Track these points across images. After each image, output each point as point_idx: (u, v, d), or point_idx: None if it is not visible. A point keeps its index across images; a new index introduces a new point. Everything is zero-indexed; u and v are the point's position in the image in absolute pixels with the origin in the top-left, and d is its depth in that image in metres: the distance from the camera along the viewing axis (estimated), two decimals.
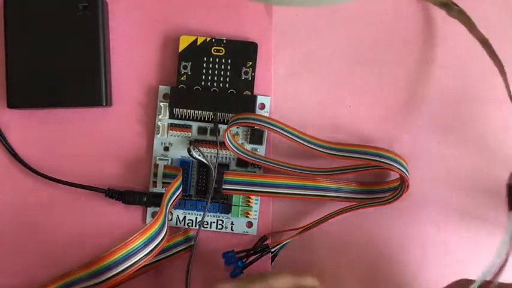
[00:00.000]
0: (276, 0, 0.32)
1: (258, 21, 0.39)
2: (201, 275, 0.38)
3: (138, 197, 0.38)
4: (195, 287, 0.37)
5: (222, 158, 0.39)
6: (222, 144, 0.38)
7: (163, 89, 0.39)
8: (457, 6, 0.35)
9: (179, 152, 0.39)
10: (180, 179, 0.38)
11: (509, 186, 0.31)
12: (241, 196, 0.38)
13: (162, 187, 0.39)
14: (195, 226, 0.39)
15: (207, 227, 0.39)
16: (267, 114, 0.39)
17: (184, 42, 0.38)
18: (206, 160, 0.38)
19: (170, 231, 0.37)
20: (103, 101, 0.37)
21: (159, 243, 0.34)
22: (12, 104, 0.37)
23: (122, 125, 0.39)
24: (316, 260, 0.39)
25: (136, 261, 0.33)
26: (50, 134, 0.39)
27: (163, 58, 0.39)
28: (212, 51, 0.39)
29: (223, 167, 0.39)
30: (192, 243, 0.38)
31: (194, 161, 0.39)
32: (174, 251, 0.38)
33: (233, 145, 0.38)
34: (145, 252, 0.33)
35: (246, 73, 0.39)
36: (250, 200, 0.38)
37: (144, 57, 0.39)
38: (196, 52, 0.38)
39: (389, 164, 0.35)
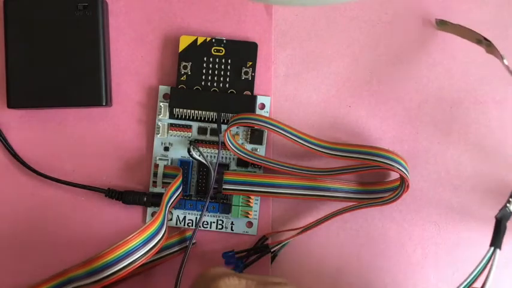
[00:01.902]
0: (276, 0, 0.32)
1: (258, 21, 0.39)
2: None
3: (138, 197, 0.38)
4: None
5: (222, 158, 0.39)
6: (222, 145, 0.38)
7: (163, 89, 0.39)
8: (487, 40, 0.34)
9: (179, 152, 0.39)
10: (180, 179, 0.38)
11: (497, 220, 0.30)
12: (241, 196, 0.38)
13: (162, 187, 0.39)
14: (195, 226, 0.39)
15: (207, 227, 0.39)
16: (267, 114, 0.39)
17: (184, 42, 0.39)
18: (206, 160, 0.38)
19: (170, 231, 0.37)
20: (103, 101, 0.37)
21: (157, 242, 0.34)
22: (12, 104, 0.37)
23: (122, 125, 0.39)
24: (315, 260, 0.39)
25: (135, 259, 0.33)
26: (50, 134, 0.39)
27: (163, 58, 0.39)
28: (212, 51, 0.39)
29: (223, 167, 0.39)
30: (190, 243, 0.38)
31: (194, 161, 0.39)
32: (172, 250, 0.38)
33: (233, 145, 0.38)
34: (144, 251, 0.33)
35: (246, 73, 0.39)
36: (250, 200, 0.38)
37: (144, 57, 0.39)
38: (196, 52, 0.39)
39: (389, 164, 0.35)
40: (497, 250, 0.29)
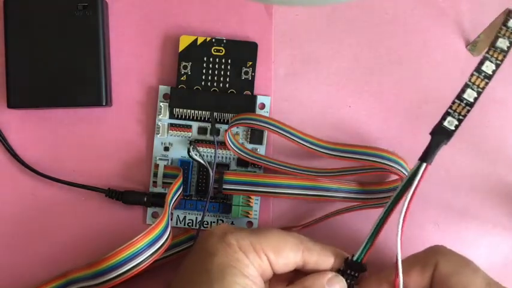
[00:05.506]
0: (276, 0, 0.32)
1: (258, 21, 0.39)
2: None
3: (138, 197, 0.38)
4: None
5: (222, 158, 0.39)
6: (223, 144, 0.38)
7: (163, 89, 0.39)
8: None
9: (179, 152, 0.39)
10: (181, 179, 0.37)
11: (432, 136, 0.31)
12: (241, 196, 0.38)
13: (162, 187, 0.39)
14: (195, 226, 0.39)
15: (207, 227, 0.39)
16: (267, 114, 0.39)
17: (184, 42, 0.39)
18: (204, 162, 0.38)
19: (172, 231, 0.37)
20: (103, 101, 0.37)
21: (163, 243, 0.34)
22: (12, 104, 0.37)
23: (122, 125, 0.39)
24: None
25: (141, 261, 0.33)
26: (50, 134, 0.39)
27: (163, 58, 0.39)
28: (212, 51, 0.39)
29: (223, 167, 0.39)
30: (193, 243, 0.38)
31: (194, 161, 0.39)
32: (175, 250, 0.38)
33: (234, 145, 0.38)
34: (150, 253, 0.33)
35: (246, 73, 0.39)
36: (251, 200, 0.38)
37: (144, 57, 0.39)
38: (196, 52, 0.39)
39: (390, 166, 0.35)
40: (426, 165, 0.30)
